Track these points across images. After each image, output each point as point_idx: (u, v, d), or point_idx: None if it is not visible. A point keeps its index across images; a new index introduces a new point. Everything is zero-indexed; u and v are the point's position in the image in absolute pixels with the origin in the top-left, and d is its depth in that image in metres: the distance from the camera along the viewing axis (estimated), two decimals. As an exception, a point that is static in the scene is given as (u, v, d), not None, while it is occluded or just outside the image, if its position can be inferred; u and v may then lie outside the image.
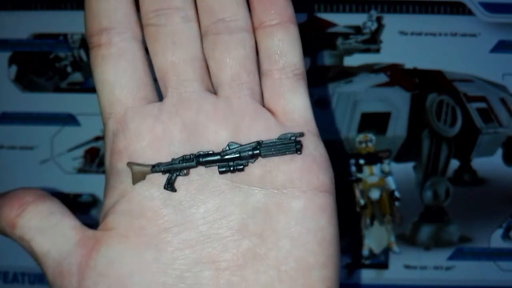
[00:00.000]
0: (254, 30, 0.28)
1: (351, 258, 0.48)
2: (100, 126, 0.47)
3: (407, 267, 0.48)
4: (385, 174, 0.48)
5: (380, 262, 0.48)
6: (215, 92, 0.28)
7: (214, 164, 0.26)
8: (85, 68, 0.47)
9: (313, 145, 0.28)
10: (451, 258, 0.47)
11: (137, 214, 0.26)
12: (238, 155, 0.26)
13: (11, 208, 0.27)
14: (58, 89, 0.47)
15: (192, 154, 0.26)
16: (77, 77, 0.47)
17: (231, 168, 0.26)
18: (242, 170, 0.26)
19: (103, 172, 0.27)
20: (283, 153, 0.26)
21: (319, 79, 0.48)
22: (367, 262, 0.48)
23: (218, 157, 0.26)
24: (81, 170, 0.47)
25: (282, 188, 0.26)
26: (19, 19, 0.47)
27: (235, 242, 0.26)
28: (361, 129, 0.48)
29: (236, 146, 0.26)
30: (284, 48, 0.28)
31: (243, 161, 0.26)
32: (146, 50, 0.28)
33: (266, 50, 0.28)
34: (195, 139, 0.27)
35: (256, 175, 0.27)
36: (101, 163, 0.47)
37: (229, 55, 0.27)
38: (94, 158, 0.47)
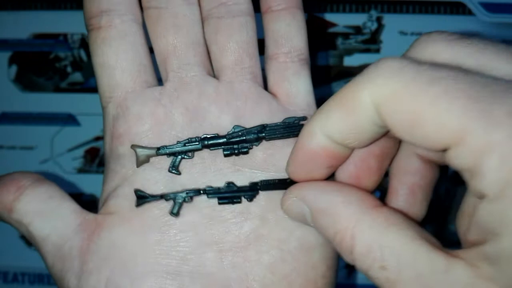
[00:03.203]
0: (262, 15, 0.28)
1: (351, 258, 0.48)
2: (100, 126, 0.47)
3: (407, 267, 0.47)
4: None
5: (380, 262, 0.48)
6: (215, 77, 0.28)
7: (219, 147, 0.26)
8: (85, 68, 0.47)
9: None
10: (451, 258, 0.47)
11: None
12: (243, 138, 0.26)
13: (7, 192, 0.26)
14: (58, 89, 0.47)
15: (197, 137, 0.26)
16: (77, 77, 0.47)
17: (236, 151, 0.26)
18: (246, 153, 0.26)
19: (103, 172, 0.27)
20: (287, 136, 0.26)
21: (319, 79, 0.47)
22: (367, 262, 0.48)
23: (224, 139, 0.26)
24: (81, 170, 0.47)
25: (284, 171, 0.26)
26: (19, 19, 0.47)
27: (237, 224, 0.26)
28: (361, 129, 0.47)
29: (241, 129, 0.26)
30: (291, 33, 0.28)
31: (248, 144, 0.26)
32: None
33: (273, 34, 0.28)
34: (197, 123, 0.27)
35: (259, 158, 0.27)
36: (101, 163, 0.47)
37: (232, 39, 0.27)
38: (94, 158, 0.47)
